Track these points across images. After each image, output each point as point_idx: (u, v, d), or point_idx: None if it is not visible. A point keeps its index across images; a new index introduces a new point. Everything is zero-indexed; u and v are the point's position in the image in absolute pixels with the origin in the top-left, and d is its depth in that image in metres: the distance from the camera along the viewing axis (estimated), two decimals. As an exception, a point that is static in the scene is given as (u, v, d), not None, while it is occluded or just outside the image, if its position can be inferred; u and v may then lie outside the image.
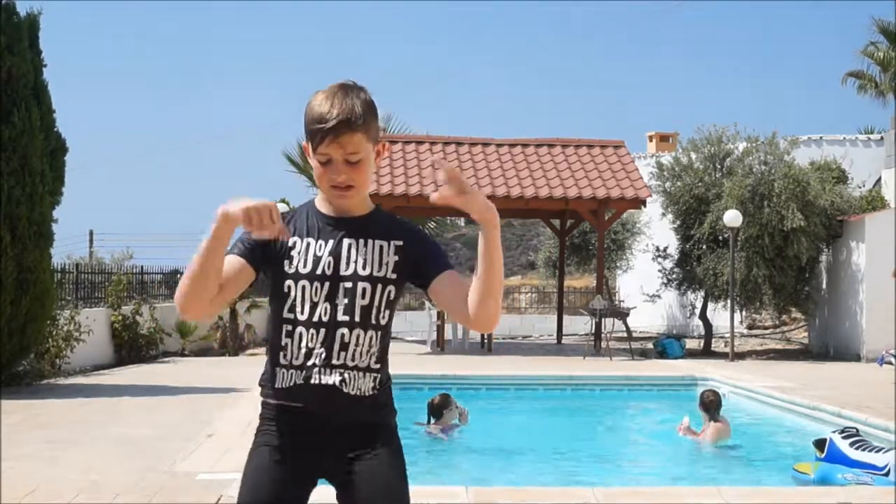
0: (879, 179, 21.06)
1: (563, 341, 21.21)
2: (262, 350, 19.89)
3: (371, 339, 2.67)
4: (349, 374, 2.65)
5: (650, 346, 18.90)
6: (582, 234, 23.72)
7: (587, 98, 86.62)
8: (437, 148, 19.16)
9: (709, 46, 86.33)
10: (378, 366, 2.70)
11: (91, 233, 38.62)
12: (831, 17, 78.66)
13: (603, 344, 17.34)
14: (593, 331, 18.40)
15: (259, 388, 2.76)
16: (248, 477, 2.70)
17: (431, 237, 2.78)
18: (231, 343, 19.24)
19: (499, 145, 19.51)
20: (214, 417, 9.13)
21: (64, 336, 13.43)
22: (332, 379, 2.63)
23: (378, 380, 2.71)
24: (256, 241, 2.63)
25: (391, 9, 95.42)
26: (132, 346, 16.90)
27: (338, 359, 2.64)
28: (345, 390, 2.64)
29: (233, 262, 2.62)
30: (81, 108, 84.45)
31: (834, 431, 7.49)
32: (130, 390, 11.66)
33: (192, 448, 7.42)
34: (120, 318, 16.79)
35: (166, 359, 17.07)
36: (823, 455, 7.15)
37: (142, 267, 20.91)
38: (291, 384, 2.65)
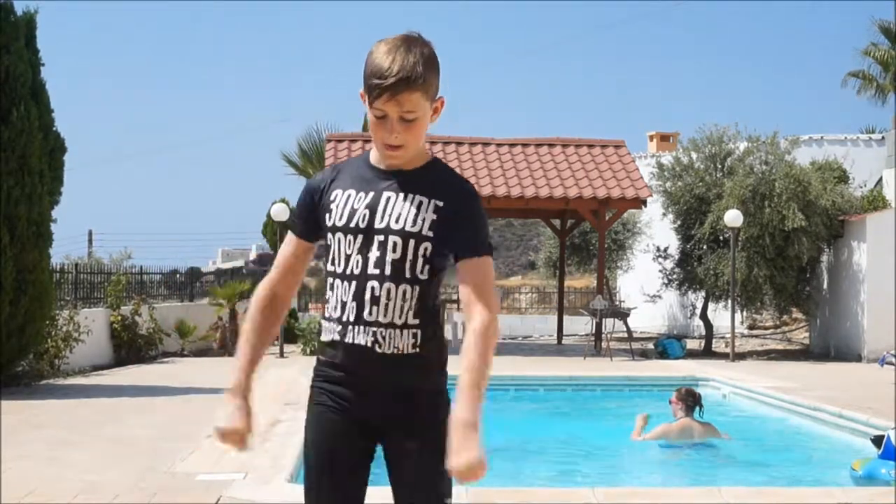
0: (881, 179, 21.02)
1: (563, 342, 21.18)
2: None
3: (405, 293, 2.60)
4: (383, 331, 2.59)
5: (651, 346, 18.87)
6: (582, 234, 23.68)
7: (587, 98, 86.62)
8: (437, 147, 19.13)
9: (710, 46, 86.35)
10: (417, 321, 2.61)
11: (90, 233, 38.65)
12: (832, 17, 78.67)
13: (603, 344, 17.31)
14: (594, 331, 18.37)
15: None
16: (309, 435, 2.72)
17: (478, 205, 2.64)
18: (230, 343, 19.19)
19: (499, 145, 19.49)
20: (213, 418, 9.07)
21: (63, 336, 13.39)
22: (365, 339, 2.59)
23: (420, 336, 2.61)
24: (308, 208, 2.72)
25: (390, 8, 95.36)
26: (131, 347, 16.88)
27: (370, 314, 2.59)
28: (378, 350, 2.59)
29: (288, 243, 2.76)
30: (81, 107, 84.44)
31: (894, 428, 7.40)
32: (129, 391, 11.63)
33: (191, 448, 7.40)
34: (119, 318, 16.78)
35: (166, 359, 17.05)
36: (880, 451, 7.07)
37: (141, 267, 20.93)
38: (330, 339, 2.65)
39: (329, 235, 2.66)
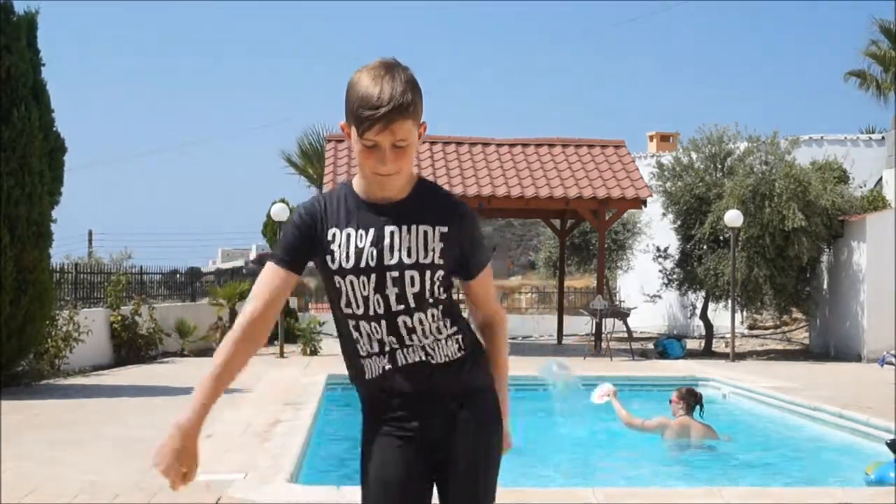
0: (881, 179, 21.03)
1: (563, 342, 21.18)
2: (262, 350, 19.82)
3: (434, 315, 2.66)
4: (431, 343, 2.66)
5: (651, 346, 18.87)
6: (582, 234, 23.69)
7: (587, 98, 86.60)
8: (437, 148, 19.13)
9: (710, 46, 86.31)
10: (454, 328, 2.70)
11: (90, 233, 38.71)
12: (832, 16, 78.65)
13: (603, 344, 17.32)
14: (594, 331, 18.37)
15: (351, 381, 2.78)
16: (373, 473, 2.68)
17: (476, 222, 2.74)
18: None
19: (499, 145, 19.49)
20: (214, 418, 9.03)
21: (63, 336, 13.39)
22: (418, 356, 2.65)
23: (460, 339, 2.70)
24: (305, 243, 2.62)
25: (390, 9, 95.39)
26: (131, 347, 16.87)
27: (411, 340, 2.65)
28: (433, 362, 2.66)
29: (276, 275, 2.62)
30: (81, 107, 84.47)
31: None
32: (129, 391, 11.63)
33: (191, 448, 7.38)
34: (119, 318, 16.77)
35: (165, 359, 17.04)
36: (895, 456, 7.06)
37: (141, 267, 20.94)
38: (381, 371, 2.66)
39: (336, 278, 2.62)
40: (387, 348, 2.64)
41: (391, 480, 2.65)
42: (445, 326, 2.67)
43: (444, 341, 2.66)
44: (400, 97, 2.48)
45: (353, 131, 2.54)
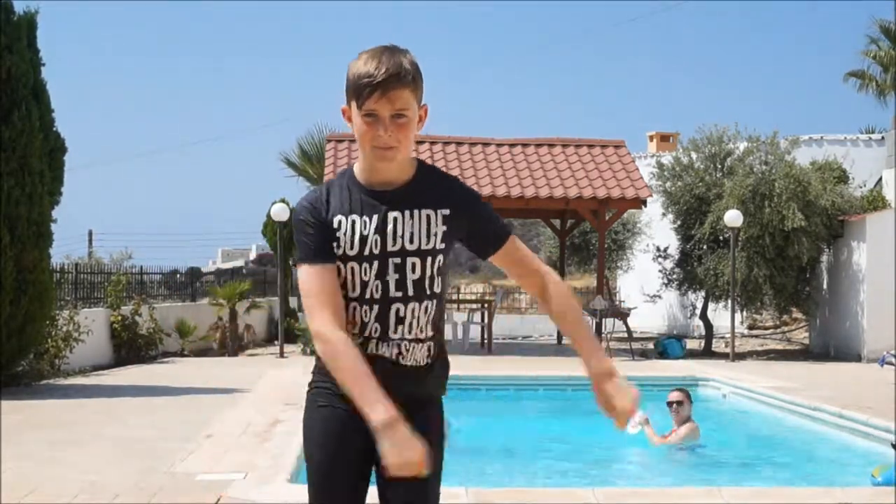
0: (880, 179, 21.03)
1: (563, 342, 21.16)
2: (262, 350, 19.85)
3: (426, 308, 2.65)
4: (406, 344, 2.64)
5: (651, 346, 18.87)
6: (582, 234, 23.68)
7: (587, 98, 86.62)
8: (437, 147, 19.13)
9: (710, 46, 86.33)
10: (432, 333, 2.68)
11: (90, 233, 38.73)
12: (832, 17, 78.66)
13: (603, 344, 17.32)
14: (593, 331, 18.35)
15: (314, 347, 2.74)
16: (314, 436, 2.68)
17: (480, 198, 2.73)
18: (230, 343, 19.21)
19: (499, 145, 19.48)
20: (213, 418, 9.10)
21: (63, 336, 13.40)
22: (389, 352, 2.63)
23: (431, 348, 2.69)
24: (319, 234, 2.59)
25: (390, 9, 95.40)
26: (131, 347, 16.88)
27: (395, 332, 2.64)
28: (401, 362, 2.64)
29: (321, 274, 2.58)
30: (81, 107, 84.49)
31: None
32: (129, 391, 11.63)
33: (191, 448, 7.40)
34: (119, 318, 16.77)
35: (165, 359, 17.04)
36: None
37: (141, 267, 20.92)
38: None
39: (338, 263, 2.62)
40: (365, 333, 2.63)
41: (334, 453, 2.63)
42: (428, 326, 2.66)
43: (419, 344, 2.65)
44: (398, 67, 2.53)
45: (354, 108, 2.57)
